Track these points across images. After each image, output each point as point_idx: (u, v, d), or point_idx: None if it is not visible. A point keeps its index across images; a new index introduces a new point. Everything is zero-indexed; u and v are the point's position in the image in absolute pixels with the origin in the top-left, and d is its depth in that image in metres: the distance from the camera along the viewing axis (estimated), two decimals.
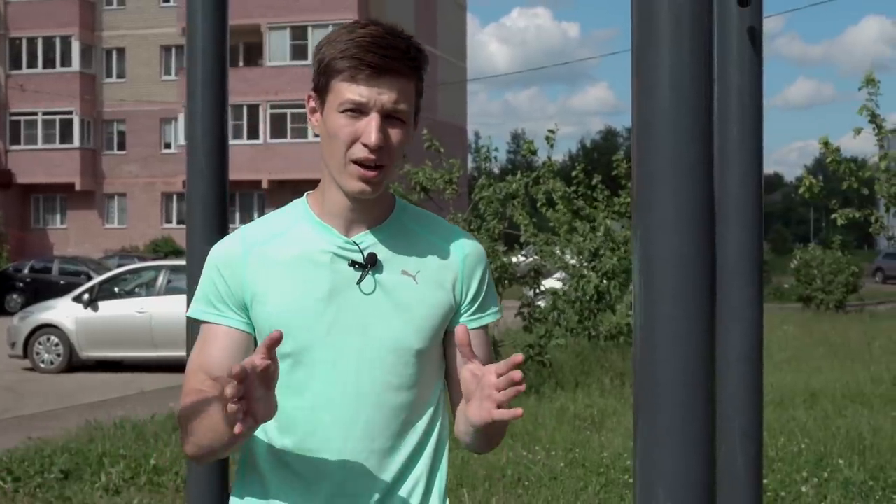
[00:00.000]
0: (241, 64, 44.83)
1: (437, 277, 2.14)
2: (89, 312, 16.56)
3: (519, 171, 13.57)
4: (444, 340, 2.19)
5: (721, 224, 2.29)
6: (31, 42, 47.78)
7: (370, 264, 2.09)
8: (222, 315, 2.11)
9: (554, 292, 13.09)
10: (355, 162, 2.02)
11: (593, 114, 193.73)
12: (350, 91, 2.00)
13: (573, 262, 13.59)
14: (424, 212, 2.26)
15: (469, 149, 63.08)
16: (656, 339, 1.15)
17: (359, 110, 2.00)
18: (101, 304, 16.64)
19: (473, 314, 2.19)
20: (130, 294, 16.96)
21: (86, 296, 16.75)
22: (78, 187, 47.31)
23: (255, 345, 2.12)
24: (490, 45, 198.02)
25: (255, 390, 1.79)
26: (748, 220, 2.34)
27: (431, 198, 12.70)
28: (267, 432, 2.13)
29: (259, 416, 1.81)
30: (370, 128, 1.99)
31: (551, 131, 13.87)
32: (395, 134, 2.03)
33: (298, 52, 44.16)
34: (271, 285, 2.09)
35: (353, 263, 2.09)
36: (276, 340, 1.78)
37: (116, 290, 17.08)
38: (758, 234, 2.36)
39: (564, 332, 12.98)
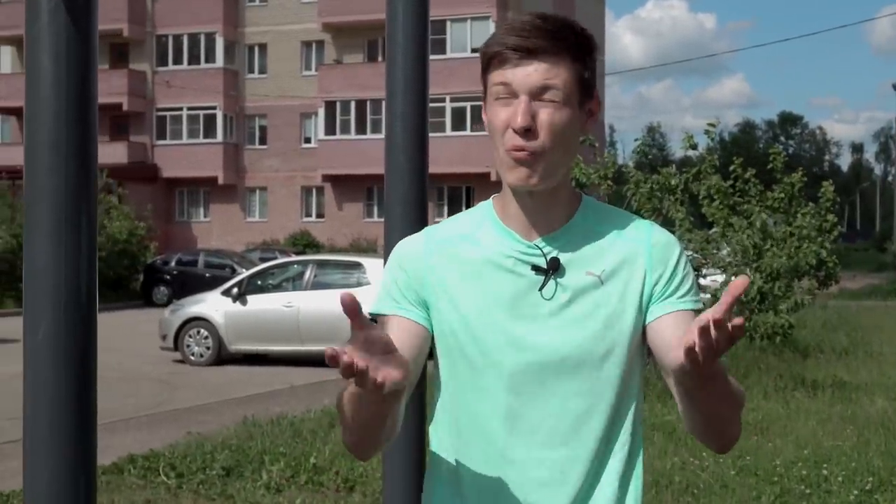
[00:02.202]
0: (380, 59, 45.06)
1: (623, 273, 2.03)
2: (238, 306, 16.76)
3: (672, 166, 13.23)
4: (644, 336, 2.05)
5: None
6: (177, 39, 48.85)
7: (552, 269, 2.02)
8: (400, 307, 2.07)
9: (714, 292, 12.71)
10: (510, 150, 1.95)
11: (729, 106, 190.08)
12: (498, 76, 1.96)
13: (730, 259, 13.15)
14: (610, 207, 2.15)
15: (605, 142, 62.58)
16: None
17: (509, 95, 1.95)
18: (250, 297, 16.81)
19: (667, 300, 2.02)
20: (278, 288, 17.12)
21: (234, 290, 16.96)
22: (220, 181, 48.21)
23: (433, 345, 2.09)
24: (624, 37, 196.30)
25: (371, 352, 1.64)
26: None
27: (587, 193, 12.44)
28: (451, 436, 2.09)
29: (389, 374, 1.64)
30: (517, 110, 1.93)
31: (711, 125, 13.56)
32: (547, 114, 1.94)
33: (437, 46, 44.15)
34: (454, 288, 2.05)
35: (535, 268, 2.02)
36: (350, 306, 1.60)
37: (264, 284, 17.26)
38: None
39: None
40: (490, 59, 1.98)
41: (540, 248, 2.03)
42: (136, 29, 48.38)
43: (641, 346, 2.07)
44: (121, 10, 47.90)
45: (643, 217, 11.92)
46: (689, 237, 13.27)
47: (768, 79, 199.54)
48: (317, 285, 16.66)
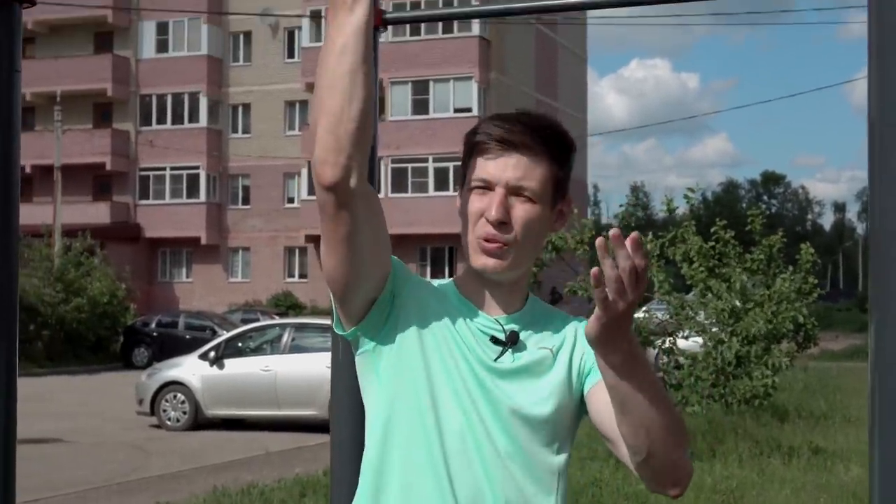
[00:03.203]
0: None
1: (566, 349, 2.10)
2: (215, 370, 16.62)
3: (651, 233, 13.23)
4: (588, 409, 2.08)
5: None
6: (161, 99, 48.92)
7: (511, 342, 2.08)
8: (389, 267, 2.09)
9: (692, 357, 12.66)
10: (481, 238, 2.04)
11: (712, 166, 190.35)
12: (480, 167, 2.05)
13: (708, 322, 13.11)
14: (551, 307, 2.24)
15: (588, 202, 62.78)
16: None
17: (487, 187, 2.04)
18: (227, 361, 16.68)
19: (596, 372, 2.01)
20: (256, 351, 17.00)
21: (212, 353, 16.83)
22: (203, 241, 48.06)
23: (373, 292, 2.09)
24: (607, 97, 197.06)
25: None
26: None
27: (563, 257, 12.44)
28: (385, 476, 2.05)
29: None
30: (493, 202, 2.02)
31: (691, 190, 13.64)
32: (520, 210, 2.04)
33: (419, 106, 44.37)
34: (415, 338, 2.06)
35: (494, 340, 2.08)
36: None
37: (242, 347, 17.14)
38: None
39: (699, 398, 12.50)
40: (473, 146, 2.08)
41: (501, 324, 2.09)
42: (120, 88, 48.47)
43: (575, 420, 2.11)
44: (105, 69, 48.08)
45: None
46: (667, 300, 13.25)
47: (751, 138, 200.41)
48: (295, 349, 16.56)
